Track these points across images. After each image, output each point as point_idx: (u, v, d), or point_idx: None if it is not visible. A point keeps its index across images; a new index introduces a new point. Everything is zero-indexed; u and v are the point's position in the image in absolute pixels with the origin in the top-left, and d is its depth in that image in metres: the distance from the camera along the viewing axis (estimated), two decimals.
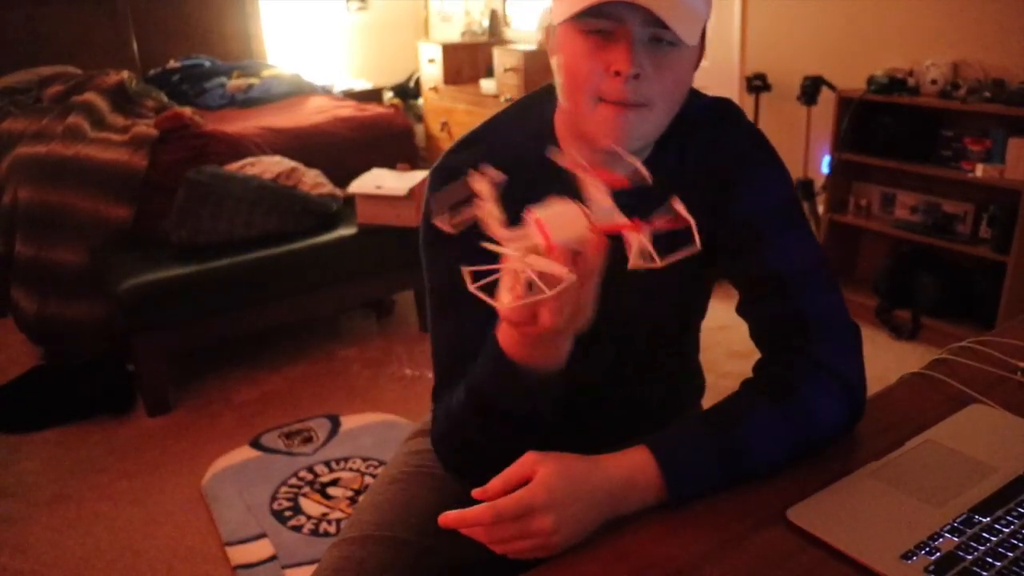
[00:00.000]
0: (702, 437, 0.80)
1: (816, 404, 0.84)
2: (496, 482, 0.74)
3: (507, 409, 0.80)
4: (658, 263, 0.64)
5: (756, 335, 0.94)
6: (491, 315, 0.81)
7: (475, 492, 0.74)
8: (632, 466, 0.78)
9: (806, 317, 0.88)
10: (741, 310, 0.95)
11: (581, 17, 0.79)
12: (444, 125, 4.71)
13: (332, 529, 1.96)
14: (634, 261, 0.65)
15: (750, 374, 0.90)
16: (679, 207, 0.65)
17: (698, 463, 0.79)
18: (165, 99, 3.62)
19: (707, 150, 0.94)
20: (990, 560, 0.68)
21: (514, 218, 0.71)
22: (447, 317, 0.93)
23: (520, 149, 0.93)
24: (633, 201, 0.91)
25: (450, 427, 0.88)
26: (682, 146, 0.94)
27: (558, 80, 0.88)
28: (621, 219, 0.65)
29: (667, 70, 0.82)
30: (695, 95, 0.95)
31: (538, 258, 0.63)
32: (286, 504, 2.06)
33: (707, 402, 1.27)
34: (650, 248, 0.64)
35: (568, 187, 0.90)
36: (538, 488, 0.73)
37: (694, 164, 0.94)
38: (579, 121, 0.86)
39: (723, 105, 0.97)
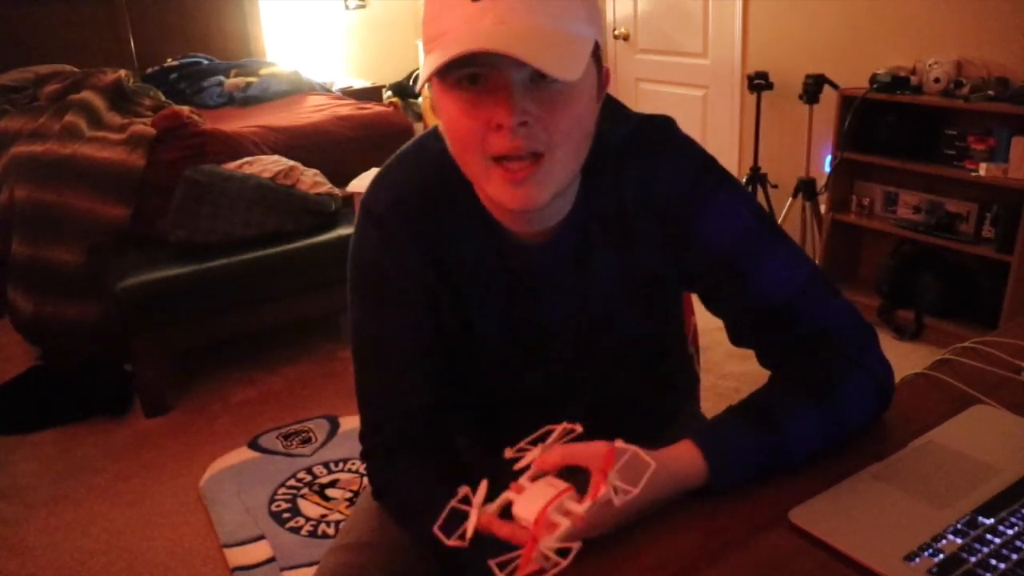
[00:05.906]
0: (749, 437, 0.80)
1: (855, 402, 0.84)
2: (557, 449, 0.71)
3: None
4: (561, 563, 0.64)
5: (771, 362, 0.90)
6: (415, 365, 0.85)
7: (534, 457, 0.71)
8: (683, 461, 0.77)
9: (825, 330, 0.86)
10: (741, 341, 0.91)
11: (446, 72, 0.69)
12: None
13: (331, 531, 1.95)
14: (525, 567, 0.65)
15: (750, 374, 0.89)
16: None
17: (744, 464, 0.79)
18: (163, 98, 3.61)
19: (648, 185, 0.84)
20: (994, 562, 0.68)
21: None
22: (378, 366, 0.89)
23: (430, 187, 0.86)
24: (571, 253, 0.86)
25: (397, 506, 0.89)
26: (618, 185, 0.84)
27: (447, 141, 0.80)
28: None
29: (560, 108, 0.71)
30: (620, 118, 0.86)
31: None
32: (285, 505, 2.05)
33: (707, 402, 1.27)
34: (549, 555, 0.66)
35: (484, 223, 0.85)
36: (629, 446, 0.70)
37: (637, 203, 0.85)
38: (478, 184, 0.78)
39: (655, 126, 0.87)
